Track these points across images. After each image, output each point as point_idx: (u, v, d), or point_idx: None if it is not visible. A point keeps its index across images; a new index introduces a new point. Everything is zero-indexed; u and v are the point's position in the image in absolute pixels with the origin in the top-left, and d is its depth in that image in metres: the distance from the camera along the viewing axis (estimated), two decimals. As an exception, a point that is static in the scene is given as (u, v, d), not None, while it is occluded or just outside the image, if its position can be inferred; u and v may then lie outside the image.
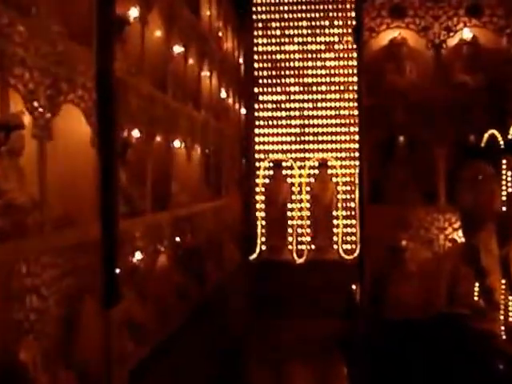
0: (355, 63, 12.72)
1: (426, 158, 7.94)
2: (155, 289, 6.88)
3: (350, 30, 13.40)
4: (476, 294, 6.96)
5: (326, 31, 13.60)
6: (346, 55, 13.48)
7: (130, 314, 6.00)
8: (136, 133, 6.67)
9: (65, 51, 4.46)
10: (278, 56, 13.57)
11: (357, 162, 12.08)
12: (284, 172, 13.20)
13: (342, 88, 13.42)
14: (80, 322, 4.63)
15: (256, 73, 13.59)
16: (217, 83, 11.05)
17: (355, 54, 9.37)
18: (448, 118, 7.75)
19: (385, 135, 7.92)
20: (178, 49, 8.40)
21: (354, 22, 9.75)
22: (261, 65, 13.61)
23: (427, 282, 7.43)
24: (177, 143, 8.24)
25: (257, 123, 13.50)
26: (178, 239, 8.06)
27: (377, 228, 7.70)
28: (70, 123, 4.79)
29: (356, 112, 12.62)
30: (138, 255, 6.33)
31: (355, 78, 12.73)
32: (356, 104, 12.56)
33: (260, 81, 13.57)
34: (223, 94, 11.72)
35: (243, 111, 13.65)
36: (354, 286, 9.45)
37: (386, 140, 7.96)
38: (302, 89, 13.43)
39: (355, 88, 12.41)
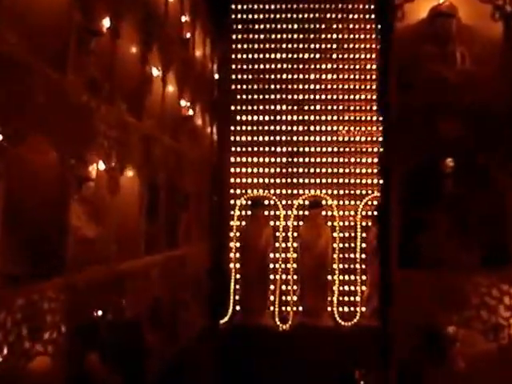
0: (359, 76, 11.11)
1: (489, 194, 5.01)
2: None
3: (352, 36, 11.25)
4: None
5: (322, 36, 11.33)
6: (347, 66, 11.28)
7: None
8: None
9: None
10: (262, 66, 11.43)
11: (359, 202, 10.90)
12: (266, 212, 11.19)
13: (341, 108, 11.26)
14: None
15: (233, 86, 11.44)
16: (176, 90, 8.39)
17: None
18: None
19: (422, 159, 5.03)
20: (104, 22, 5.51)
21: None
22: (240, 76, 11.46)
23: (485, 388, 4.88)
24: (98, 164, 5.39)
25: (233, 149, 11.39)
26: (96, 314, 5.38)
27: (410, 304, 5.00)
28: None
29: (359, 139, 11.03)
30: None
31: (358, 96, 11.10)
32: (358, 128, 11.04)
33: (238, 96, 11.42)
34: (189, 111, 9.19)
35: (215, 134, 11.31)
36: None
37: (424, 166, 5.05)
38: (290, 107, 11.35)
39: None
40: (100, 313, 5.49)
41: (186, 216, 9.05)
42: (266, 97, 11.38)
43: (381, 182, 5.55)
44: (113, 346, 5.67)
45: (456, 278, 5.02)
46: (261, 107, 11.39)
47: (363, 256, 10.75)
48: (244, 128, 11.42)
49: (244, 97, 11.43)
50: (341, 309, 10.93)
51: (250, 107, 11.42)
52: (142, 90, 6.62)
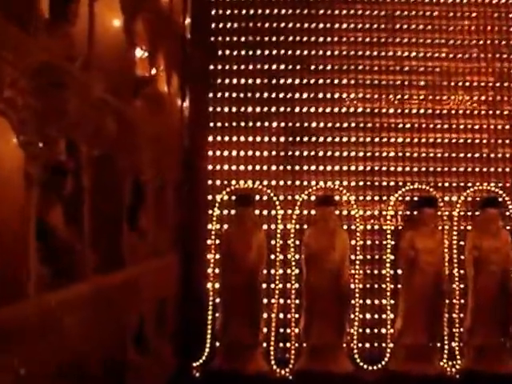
0: (385, 25, 9.49)
1: None
2: None
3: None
4: None
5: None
6: (369, 12, 9.64)
7: None
8: None
9: None
10: (252, 10, 9.86)
11: (386, 198, 9.33)
12: (256, 212, 9.72)
13: (360, 68, 9.64)
14: None
15: (213, 38, 9.97)
16: (122, 27, 6.25)
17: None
18: None
19: None
20: None
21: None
22: (221, 24, 9.95)
23: None
24: None
25: (211, 125, 9.90)
26: None
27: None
28: None
29: (385, 110, 9.40)
30: None
31: (384, 52, 9.47)
32: (385, 95, 9.39)
33: (219, 52, 9.94)
34: (151, 69, 7.87)
35: (188, 103, 9.94)
36: None
37: None
38: (291, 67, 9.82)
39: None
40: None
41: (141, 216, 7.21)
42: (258, 52, 9.89)
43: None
44: None
45: None
46: (250, 66, 9.93)
47: (393, 272, 9.20)
48: (227, 95, 9.96)
49: (227, 52, 9.97)
50: (362, 345, 9.41)
51: (235, 67, 9.95)
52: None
